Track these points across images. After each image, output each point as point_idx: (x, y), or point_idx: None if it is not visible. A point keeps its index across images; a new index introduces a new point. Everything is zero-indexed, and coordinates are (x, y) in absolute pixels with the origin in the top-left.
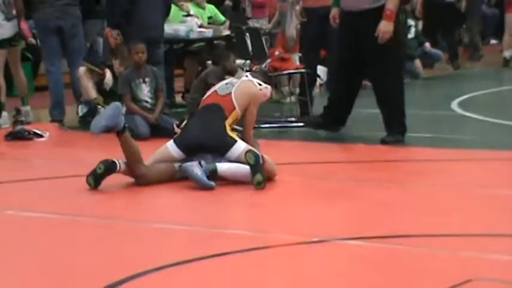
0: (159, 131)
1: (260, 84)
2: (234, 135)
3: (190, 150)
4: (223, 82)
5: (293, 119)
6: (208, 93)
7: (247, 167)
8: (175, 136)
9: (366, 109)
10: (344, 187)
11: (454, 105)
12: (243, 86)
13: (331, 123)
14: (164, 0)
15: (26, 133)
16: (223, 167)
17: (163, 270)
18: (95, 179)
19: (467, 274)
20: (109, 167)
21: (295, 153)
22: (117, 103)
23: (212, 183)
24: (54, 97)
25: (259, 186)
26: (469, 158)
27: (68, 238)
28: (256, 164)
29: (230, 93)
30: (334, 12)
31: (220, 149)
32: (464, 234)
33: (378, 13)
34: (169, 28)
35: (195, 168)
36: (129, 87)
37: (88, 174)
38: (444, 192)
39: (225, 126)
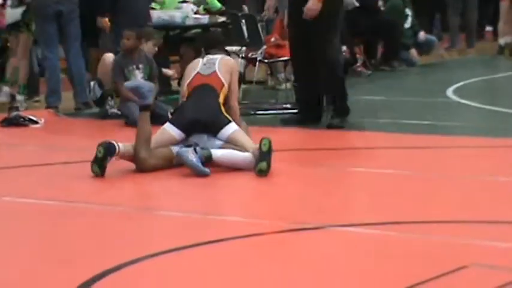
0: (154, 118)
1: (229, 55)
2: (228, 115)
3: (188, 128)
4: (201, 63)
5: (288, 105)
6: (190, 76)
7: (241, 154)
8: (170, 118)
9: (361, 96)
10: (339, 174)
11: (450, 92)
12: (223, 63)
13: (310, 116)
14: None
15: (21, 119)
16: (217, 153)
17: (158, 257)
18: (99, 165)
19: (463, 261)
20: (108, 149)
21: (290, 140)
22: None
23: (207, 169)
24: (51, 84)
25: (261, 173)
26: (464, 145)
27: (64, 225)
28: (268, 153)
29: (214, 71)
30: (270, 2)
31: (215, 125)
32: (460, 221)
33: None
34: (165, 14)
35: (190, 154)
36: (122, 74)
37: (92, 162)
38: (439, 179)
39: (219, 104)
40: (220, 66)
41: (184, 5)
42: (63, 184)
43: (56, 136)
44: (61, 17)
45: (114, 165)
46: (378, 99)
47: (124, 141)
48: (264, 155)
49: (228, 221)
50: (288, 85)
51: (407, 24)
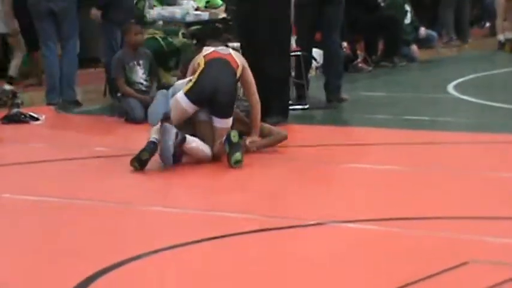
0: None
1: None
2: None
3: (202, 101)
4: (213, 48)
5: (289, 101)
6: (207, 51)
7: (206, 149)
8: (185, 89)
9: (361, 92)
10: (339, 170)
11: (450, 88)
12: (236, 54)
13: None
14: None
15: (22, 116)
16: (190, 138)
17: (159, 253)
18: (140, 163)
19: (464, 257)
20: (152, 152)
21: (291, 136)
22: (164, 90)
23: (171, 162)
24: (50, 81)
25: (237, 164)
26: (465, 141)
27: (65, 221)
28: (238, 144)
29: (230, 53)
30: None
31: (224, 110)
32: (461, 217)
33: None
34: (165, 11)
35: (172, 136)
36: (122, 70)
37: (132, 159)
38: (440, 175)
39: (236, 85)
40: (234, 53)
41: (185, 1)
42: (63, 181)
43: (57, 133)
44: (54, 15)
45: (115, 162)
46: (379, 95)
47: (123, 137)
48: (235, 146)
49: (229, 217)
50: None
51: (407, 20)
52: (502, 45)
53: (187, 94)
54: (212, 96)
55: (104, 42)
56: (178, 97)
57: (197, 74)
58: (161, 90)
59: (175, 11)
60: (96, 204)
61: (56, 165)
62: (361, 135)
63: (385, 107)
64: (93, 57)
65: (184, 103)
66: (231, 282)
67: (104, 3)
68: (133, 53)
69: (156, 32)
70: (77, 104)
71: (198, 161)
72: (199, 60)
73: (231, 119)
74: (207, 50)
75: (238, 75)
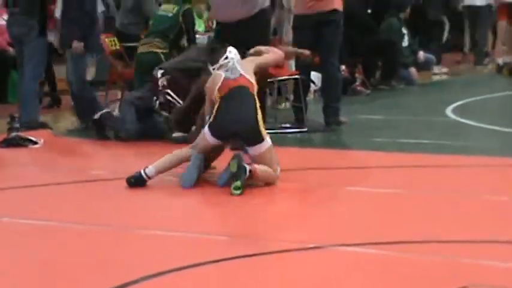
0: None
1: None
2: (264, 131)
3: (225, 137)
4: (220, 72)
5: (288, 125)
6: (218, 84)
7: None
8: (209, 121)
9: (359, 115)
10: (341, 193)
11: (449, 111)
12: (244, 66)
13: None
14: None
15: (21, 140)
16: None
17: (158, 277)
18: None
19: (463, 281)
20: (138, 182)
21: (291, 159)
22: (199, 154)
23: (190, 183)
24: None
25: (236, 191)
26: (464, 164)
27: (63, 245)
28: (238, 171)
29: (241, 75)
30: None
31: (252, 140)
32: (461, 241)
33: (254, 22)
34: None
35: (199, 165)
36: None
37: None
38: (439, 198)
39: (256, 111)
40: (243, 70)
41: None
42: (62, 205)
43: (55, 156)
44: (18, 38)
45: (113, 185)
46: (377, 118)
47: (121, 161)
48: (235, 174)
49: (228, 240)
50: (287, 104)
51: (405, 43)
52: (500, 68)
53: (210, 128)
54: (235, 132)
55: (75, 70)
56: (204, 130)
57: (215, 110)
58: (197, 155)
59: None
60: (95, 228)
61: (55, 188)
62: (359, 159)
63: (384, 130)
64: None
65: (208, 137)
66: None
67: (84, 35)
68: None
69: (159, 45)
70: (30, 126)
71: (197, 184)
72: (215, 95)
73: (263, 143)
74: (219, 79)
75: (255, 93)
